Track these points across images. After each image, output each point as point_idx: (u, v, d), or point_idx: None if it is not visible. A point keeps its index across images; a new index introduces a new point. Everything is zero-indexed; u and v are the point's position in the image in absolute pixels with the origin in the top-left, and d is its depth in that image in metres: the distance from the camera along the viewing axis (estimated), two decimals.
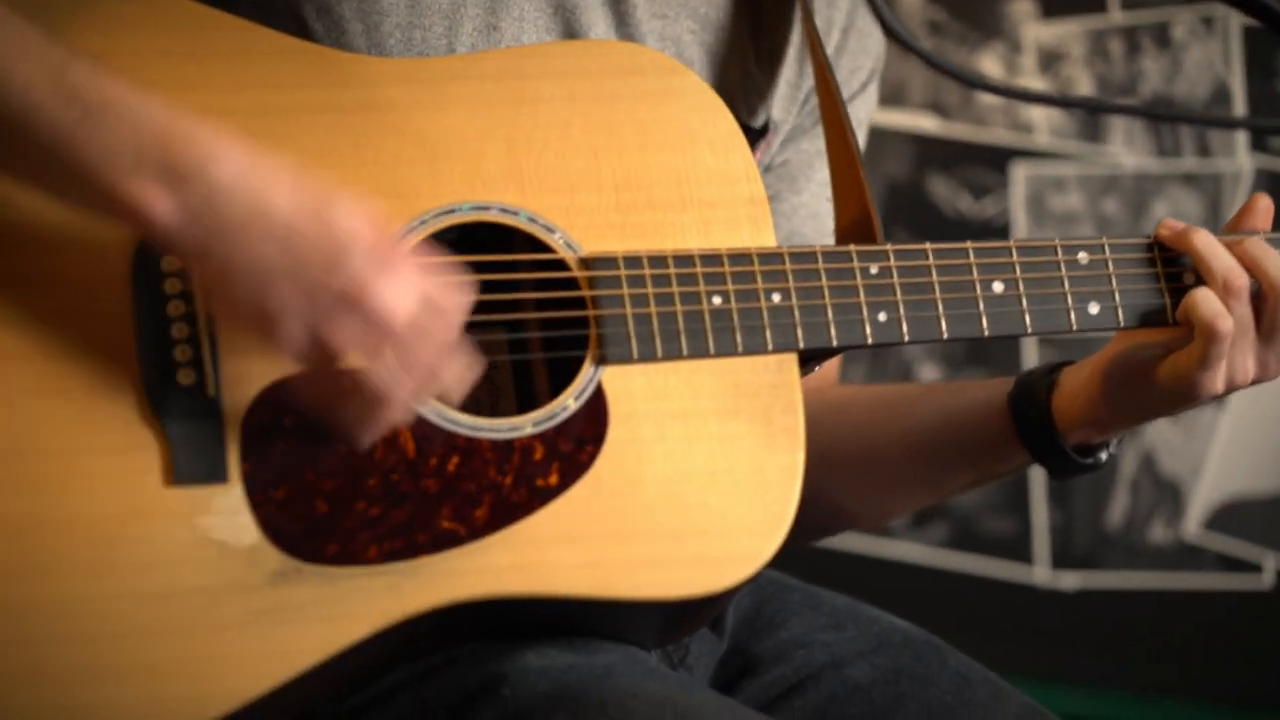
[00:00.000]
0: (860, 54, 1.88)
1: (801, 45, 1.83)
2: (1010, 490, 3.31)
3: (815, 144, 1.87)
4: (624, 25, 1.75)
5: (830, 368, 1.88)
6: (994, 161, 3.34)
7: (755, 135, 1.81)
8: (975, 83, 3.14)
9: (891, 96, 3.30)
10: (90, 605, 1.48)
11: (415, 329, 1.46)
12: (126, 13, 1.59)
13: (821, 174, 1.87)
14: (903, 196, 3.34)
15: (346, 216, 1.45)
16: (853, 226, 1.74)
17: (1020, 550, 3.32)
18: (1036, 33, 3.32)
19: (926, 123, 3.36)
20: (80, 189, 1.46)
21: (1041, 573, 3.33)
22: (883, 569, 3.33)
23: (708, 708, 1.56)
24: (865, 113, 1.91)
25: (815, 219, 1.89)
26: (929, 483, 1.86)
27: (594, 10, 1.73)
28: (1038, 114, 3.33)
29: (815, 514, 1.69)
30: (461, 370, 1.51)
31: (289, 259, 1.44)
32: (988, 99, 3.36)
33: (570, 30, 1.73)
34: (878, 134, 3.25)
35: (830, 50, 1.82)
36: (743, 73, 1.81)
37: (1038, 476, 3.31)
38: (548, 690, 1.54)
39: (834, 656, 1.79)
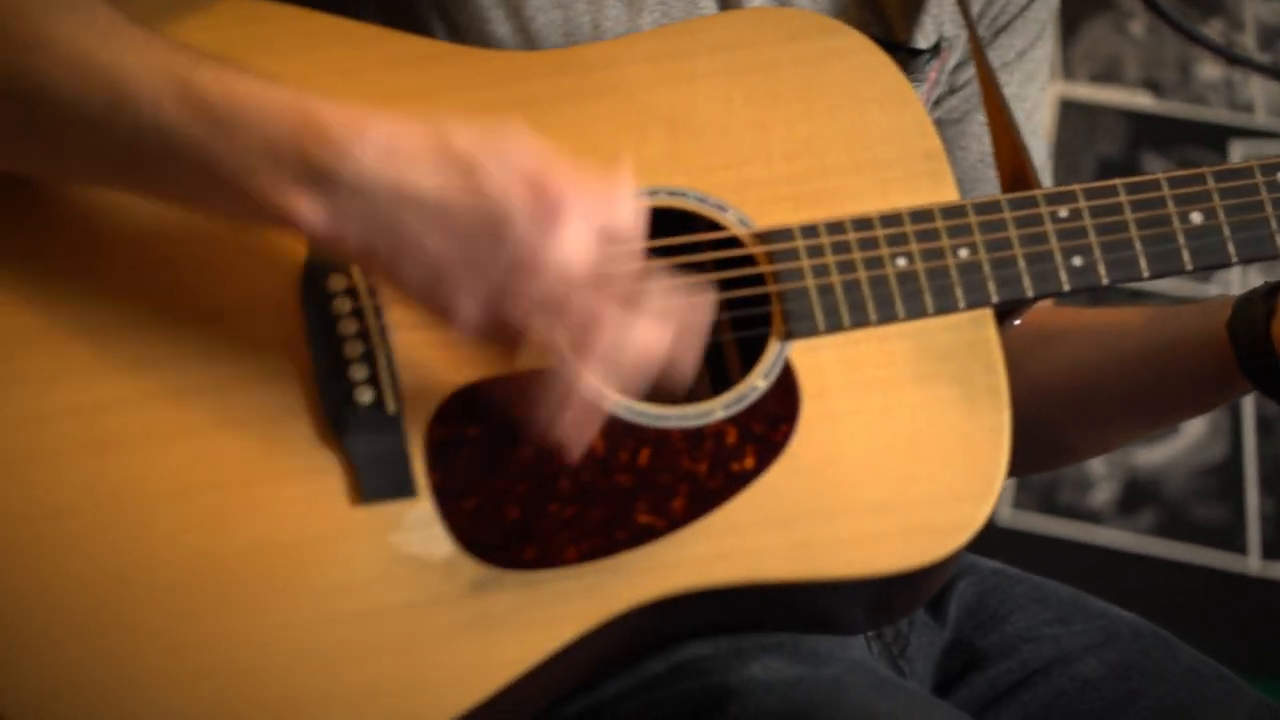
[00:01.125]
0: None
1: None
2: (1222, 478, 3.25)
3: (999, 55, 1.81)
4: None
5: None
6: (1212, 141, 3.27)
7: (928, 55, 1.76)
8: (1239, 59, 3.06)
9: (1106, 73, 3.25)
10: (292, 633, 1.46)
11: (603, 289, 1.40)
12: (281, 33, 1.57)
13: (1013, 89, 1.81)
14: (1116, 175, 3.28)
15: (497, 175, 1.38)
16: (1010, 179, 1.69)
17: (1232, 539, 3.26)
18: (1256, 9, 3.25)
19: (1142, 100, 3.30)
20: (230, 204, 1.42)
21: (1254, 562, 3.27)
22: (1090, 554, 3.28)
23: None
24: (1034, 88, 1.85)
25: None
26: (1148, 413, 1.78)
27: None
28: (1257, 92, 3.26)
29: (1034, 448, 1.64)
30: (671, 310, 1.43)
31: (450, 240, 1.39)
32: (1206, 77, 3.29)
33: None
34: (1090, 110, 3.19)
35: None
36: None
37: (1250, 463, 3.25)
38: (776, 707, 1.49)
39: (1062, 651, 1.73)
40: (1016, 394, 1.60)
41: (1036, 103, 1.87)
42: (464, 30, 1.62)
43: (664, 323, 1.44)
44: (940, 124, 1.79)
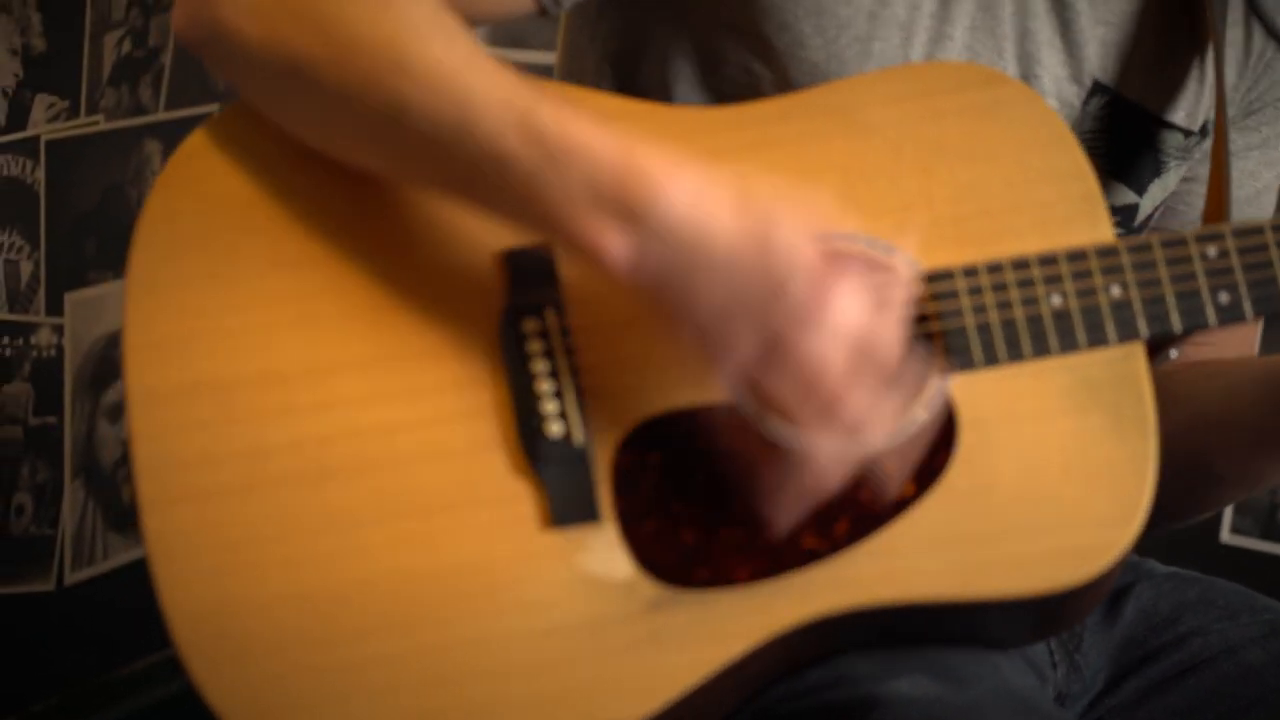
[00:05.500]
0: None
1: (1245, 48, 1.87)
2: None
3: (1243, 136, 1.90)
4: (1068, 31, 1.79)
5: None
6: None
7: (1197, 138, 1.85)
8: None
9: None
10: (485, 647, 1.58)
11: (853, 376, 1.50)
12: None
13: (1250, 166, 1.91)
14: None
15: (788, 234, 1.49)
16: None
17: None
18: None
19: None
20: (541, 225, 1.54)
21: None
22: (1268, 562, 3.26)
23: None
24: (1271, 173, 1.94)
25: (1234, 208, 1.90)
26: None
27: (1040, 18, 1.78)
28: None
29: (1192, 481, 1.74)
30: (895, 416, 1.55)
31: (731, 291, 1.49)
32: None
33: (1020, 32, 1.76)
34: None
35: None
36: (1180, 71, 1.84)
37: None
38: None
39: (1228, 643, 1.84)
40: (1177, 426, 1.68)
41: (1268, 185, 1.96)
42: (779, 54, 1.74)
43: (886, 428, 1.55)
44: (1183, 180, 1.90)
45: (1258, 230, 1.67)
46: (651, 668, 1.57)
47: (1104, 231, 1.68)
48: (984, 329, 1.64)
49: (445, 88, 1.52)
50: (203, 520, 1.57)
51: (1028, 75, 1.80)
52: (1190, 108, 1.87)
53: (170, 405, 1.60)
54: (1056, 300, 1.65)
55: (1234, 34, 1.88)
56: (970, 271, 1.65)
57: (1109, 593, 1.74)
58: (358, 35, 1.54)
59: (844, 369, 1.50)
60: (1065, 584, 1.62)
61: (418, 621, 1.57)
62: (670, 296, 1.52)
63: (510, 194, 1.53)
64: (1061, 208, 1.68)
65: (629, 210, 1.50)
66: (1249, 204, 1.93)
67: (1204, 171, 1.92)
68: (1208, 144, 1.89)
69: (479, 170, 1.53)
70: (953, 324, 1.65)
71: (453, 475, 1.60)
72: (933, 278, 1.65)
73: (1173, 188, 1.91)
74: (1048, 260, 1.66)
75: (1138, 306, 1.65)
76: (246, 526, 1.57)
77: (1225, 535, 3.20)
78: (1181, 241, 1.67)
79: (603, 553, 1.60)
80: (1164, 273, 1.66)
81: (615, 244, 1.50)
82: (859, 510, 1.62)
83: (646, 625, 1.58)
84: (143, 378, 1.60)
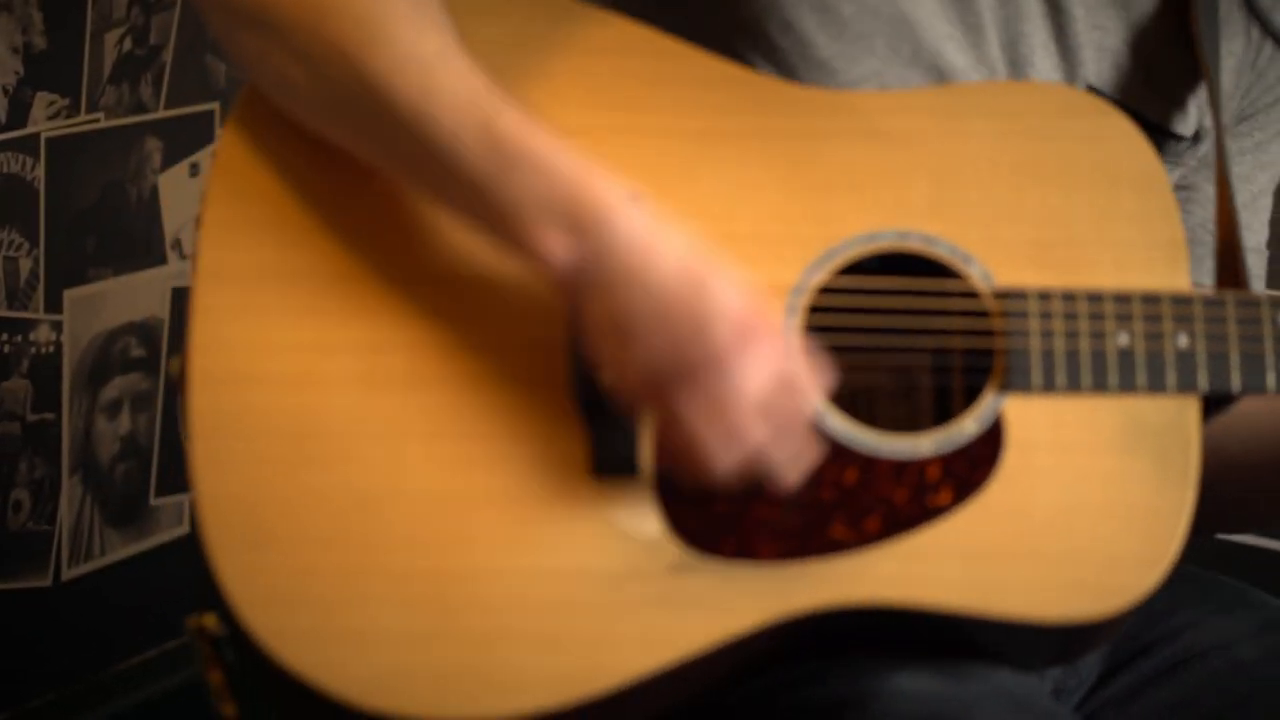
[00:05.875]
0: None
1: (1242, 56, 1.88)
2: None
3: (1237, 142, 1.91)
4: (1063, 36, 1.80)
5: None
6: None
7: (1188, 142, 1.86)
8: None
9: None
10: (504, 577, 1.58)
11: (759, 413, 1.53)
12: (593, 37, 1.70)
13: (1244, 170, 1.92)
14: None
15: (723, 291, 1.52)
16: (1221, 260, 1.78)
17: None
18: None
19: None
20: (491, 225, 1.56)
21: None
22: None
23: None
24: (1266, 177, 1.96)
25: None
26: None
27: (1033, 21, 1.79)
28: None
29: (1227, 513, 1.76)
30: (796, 461, 1.57)
31: (658, 320, 1.52)
32: None
33: (1010, 38, 1.78)
34: None
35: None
36: (1175, 77, 1.85)
37: None
38: (911, 714, 1.60)
39: (1222, 637, 1.84)
40: (1224, 459, 1.70)
41: (1264, 189, 1.97)
42: (786, 54, 1.74)
43: (788, 471, 1.58)
44: (1175, 187, 1.89)
45: None
46: (657, 627, 1.58)
47: (1181, 280, 1.69)
48: (1048, 355, 1.65)
49: (411, 75, 1.54)
50: (249, 405, 1.58)
51: (1020, 79, 1.81)
52: (1184, 114, 1.87)
53: (236, 286, 1.60)
54: (1123, 339, 1.66)
55: (1233, 45, 1.89)
56: (1044, 296, 1.66)
57: (1119, 634, 1.73)
58: (334, 6, 1.55)
59: (755, 406, 1.53)
60: (1080, 617, 1.62)
61: (448, 541, 1.57)
62: (594, 306, 1.54)
63: (458, 190, 1.55)
64: (1144, 250, 1.69)
65: (577, 224, 1.52)
66: (1245, 209, 1.95)
67: (1200, 180, 1.93)
68: (1201, 150, 1.90)
69: (432, 161, 1.55)
70: (1017, 345, 1.65)
71: (504, 404, 1.60)
72: (1005, 295, 1.66)
73: None
74: (1122, 298, 1.66)
75: (1201, 359, 1.66)
76: (292, 418, 1.58)
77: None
78: (1255, 303, 1.68)
79: (635, 508, 1.61)
80: (1233, 330, 1.67)
81: (558, 248, 1.53)
82: (892, 509, 1.62)
83: (664, 585, 1.59)
84: (213, 253, 1.61)
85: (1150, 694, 1.85)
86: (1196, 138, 1.88)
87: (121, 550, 2.93)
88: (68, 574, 2.86)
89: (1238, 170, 1.94)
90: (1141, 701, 1.85)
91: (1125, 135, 1.72)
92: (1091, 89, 1.83)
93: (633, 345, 1.53)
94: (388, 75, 1.54)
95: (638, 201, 1.54)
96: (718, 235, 1.65)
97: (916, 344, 1.68)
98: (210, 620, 1.60)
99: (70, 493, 2.85)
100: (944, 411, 1.71)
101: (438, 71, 1.54)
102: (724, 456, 1.54)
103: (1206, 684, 1.83)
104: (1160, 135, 1.86)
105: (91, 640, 2.87)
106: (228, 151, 1.64)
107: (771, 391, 1.53)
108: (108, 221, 2.85)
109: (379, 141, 1.58)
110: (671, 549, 1.60)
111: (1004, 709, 1.62)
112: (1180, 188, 1.94)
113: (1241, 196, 1.94)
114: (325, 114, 1.60)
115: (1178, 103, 1.87)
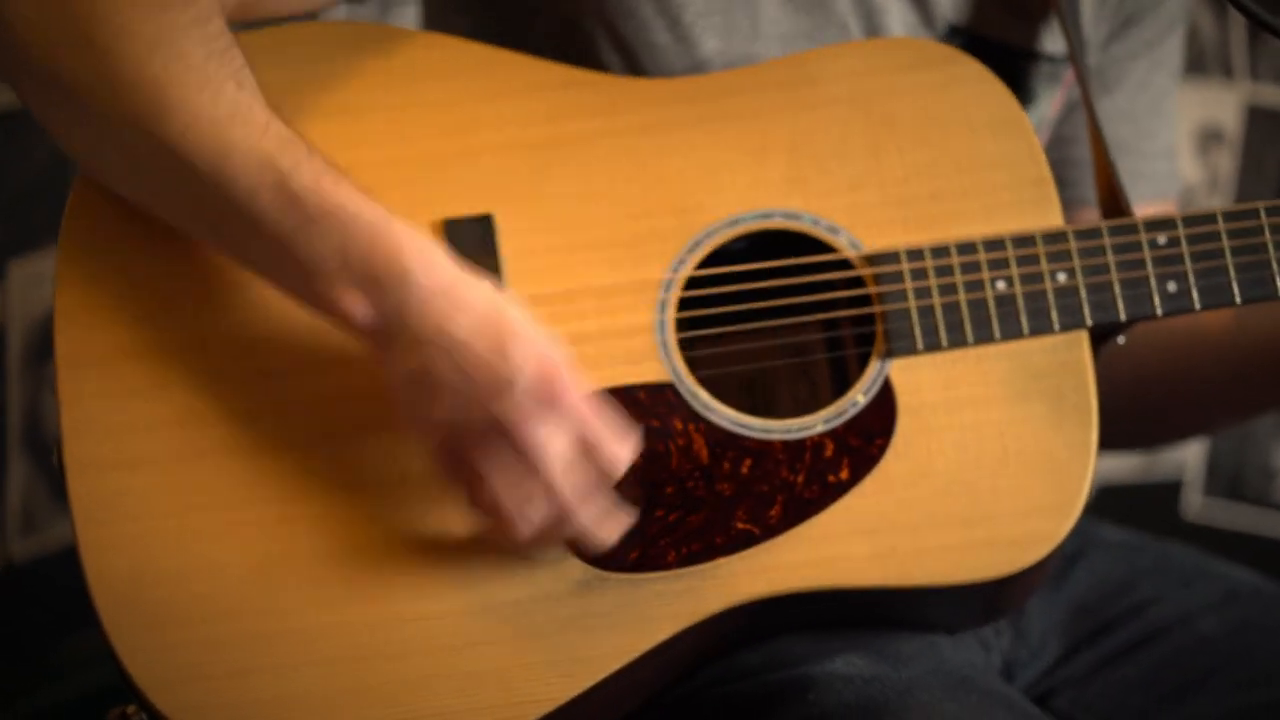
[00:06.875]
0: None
1: None
2: None
3: (1126, 46, 1.87)
4: None
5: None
6: None
7: (1061, 61, 1.82)
8: None
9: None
10: (413, 624, 1.57)
11: (563, 473, 1.51)
12: (419, 62, 1.66)
13: (1140, 75, 1.88)
14: None
15: (523, 351, 1.49)
16: (1104, 198, 1.74)
17: None
18: None
19: None
20: (293, 285, 1.54)
21: None
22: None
23: None
24: (1163, 75, 1.91)
25: (1131, 121, 1.89)
26: (1252, 405, 1.85)
27: None
28: None
29: (1135, 425, 1.78)
30: (605, 522, 1.54)
31: (458, 377, 1.49)
32: None
33: None
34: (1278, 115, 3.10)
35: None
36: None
37: None
38: (850, 700, 1.59)
39: (1183, 612, 1.83)
40: (1121, 372, 1.68)
41: (1165, 90, 1.93)
42: (628, 41, 1.72)
43: (598, 530, 1.55)
44: (1070, 110, 1.87)
45: (1209, 218, 1.65)
46: (575, 651, 1.57)
47: (1054, 217, 1.66)
48: (926, 313, 1.63)
49: (205, 138, 1.51)
50: (128, 487, 1.57)
51: (876, 27, 1.77)
52: (1051, 31, 1.83)
53: (99, 371, 1.59)
54: (1001, 285, 1.63)
55: None
56: (915, 254, 1.64)
57: (1048, 577, 1.73)
58: (124, 72, 1.51)
59: (555, 468, 1.51)
60: (999, 574, 1.61)
61: (352, 595, 1.57)
62: (395, 363, 1.52)
63: (258, 250, 1.53)
64: (1012, 193, 1.66)
65: (375, 279, 1.50)
66: (1151, 115, 1.91)
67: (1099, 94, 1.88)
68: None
69: (230, 223, 1.52)
70: (895, 306, 1.63)
71: (392, 450, 1.59)
72: (876, 259, 1.64)
73: (1052, 115, 1.88)
74: (994, 244, 1.64)
75: (1083, 294, 1.64)
76: (172, 495, 1.57)
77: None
78: (1132, 228, 1.65)
79: None
80: (1112, 259, 1.64)
81: (357, 308, 1.51)
82: (793, 495, 1.60)
83: (573, 606, 1.58)
84: (69, 340, 1.59)
85: (1111, 672, 1.84)
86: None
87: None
88: (17, 553, 2.85)
89: (1132, 76, 1.89)
90: (1102, 679, 1.84)
91: (979, 79, 1.68)
92: (954, 29, 1.79)
93: (433, 404, 1.51)
94: (182, 141, 1.51)
95: (436, 262, 1.50)
96: (574, 245, 1.63)
97: (797, 321, 1.66)
98: (131, 710, 1.60)
99: (17, 471, 2.83)
100: (845, 388, 1.68)
101: (230, 132, 1.51)
102: (528, 518, 1.52)
103: (1169, 661, 1.82)
104: (1030, 59, 1.82)
105: (40, 621, 2.87)
106: (70, 239, 1.62)
107: (572, 453, 1.51)
108: (56, 193, 2.78)
109: (182, 205, 1.56)
110: (576, 569, 1.59)
111: (944, 689, 1.62)
112: (1074, 109, 1.90)
113: (1141, 103, 1.90)
114: (131, 181, 1.58)
115: (1046, 22, 1.82)
